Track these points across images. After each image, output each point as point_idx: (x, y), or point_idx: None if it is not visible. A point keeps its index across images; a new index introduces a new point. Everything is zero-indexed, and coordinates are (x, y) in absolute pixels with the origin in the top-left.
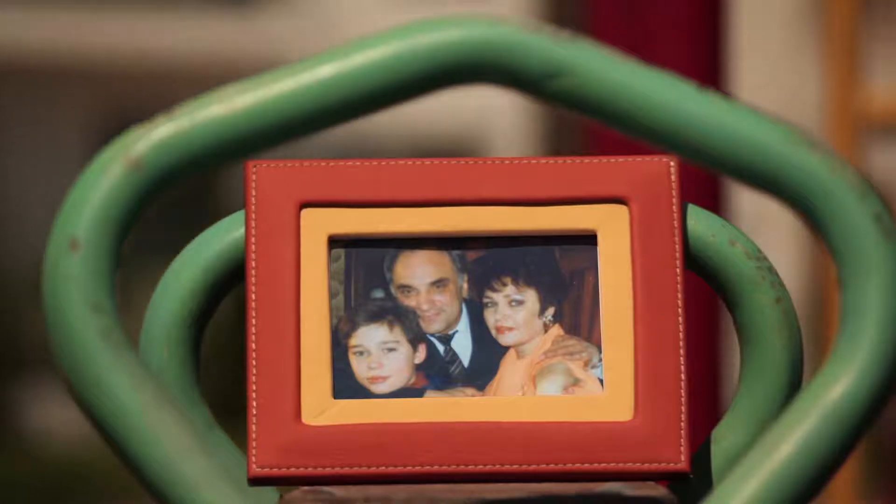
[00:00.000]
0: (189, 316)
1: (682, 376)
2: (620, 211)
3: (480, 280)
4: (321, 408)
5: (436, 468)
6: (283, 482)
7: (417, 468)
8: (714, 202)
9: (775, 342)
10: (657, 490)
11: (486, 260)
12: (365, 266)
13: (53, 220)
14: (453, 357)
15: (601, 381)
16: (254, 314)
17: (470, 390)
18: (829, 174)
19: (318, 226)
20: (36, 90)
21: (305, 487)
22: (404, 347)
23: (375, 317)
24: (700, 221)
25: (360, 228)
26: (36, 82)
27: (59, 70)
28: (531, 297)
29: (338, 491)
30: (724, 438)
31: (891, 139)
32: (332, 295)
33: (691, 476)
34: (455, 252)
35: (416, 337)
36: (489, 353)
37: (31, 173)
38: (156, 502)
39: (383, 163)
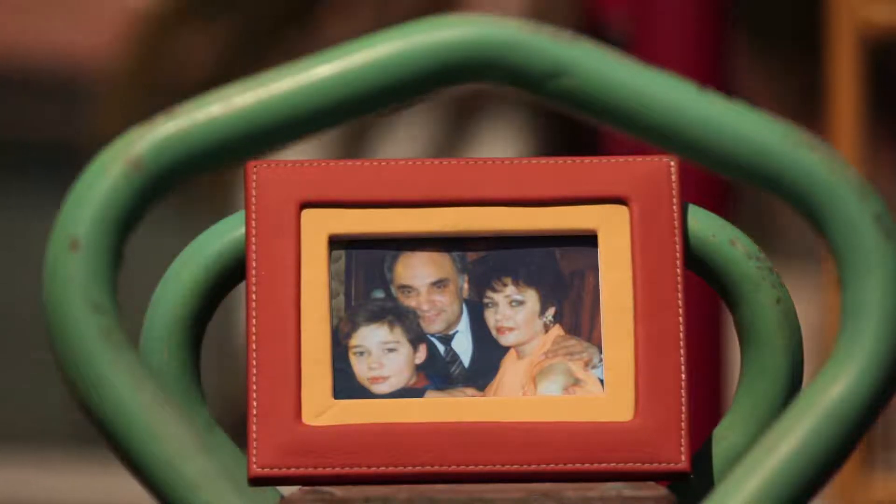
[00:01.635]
0: (189, 316)
1: (683, 376)
2: (620, 211)
3: (481, 280)
4: (321, 408)
5: (436, 468)
6: (283, 482)
7: (417, 468)
8: (714, 202)
9: (776, 342)
10: (657, 490)
11: (486, 260)
12: (365, 266)
13: None
14: (454, 357)
15: (601, 381)
16: (254, 314)
17: (470, 390)
18: (829, 174)
19: (319, 226)
20: None
21: (305, 487)
22: (405, 348)
23: (376, 317)
24: (700, 221)
25: (361, 228)
26: None
27: None
28: (531, 297)
29: (338, 491)
30: (724, 438)
31: None
32: (332, 295)
33: (691, 476)
34: (455, 252)
35: (417, 337)
36: (490, 354)
37: None
38: (156, 502)
39: (383, 163)
